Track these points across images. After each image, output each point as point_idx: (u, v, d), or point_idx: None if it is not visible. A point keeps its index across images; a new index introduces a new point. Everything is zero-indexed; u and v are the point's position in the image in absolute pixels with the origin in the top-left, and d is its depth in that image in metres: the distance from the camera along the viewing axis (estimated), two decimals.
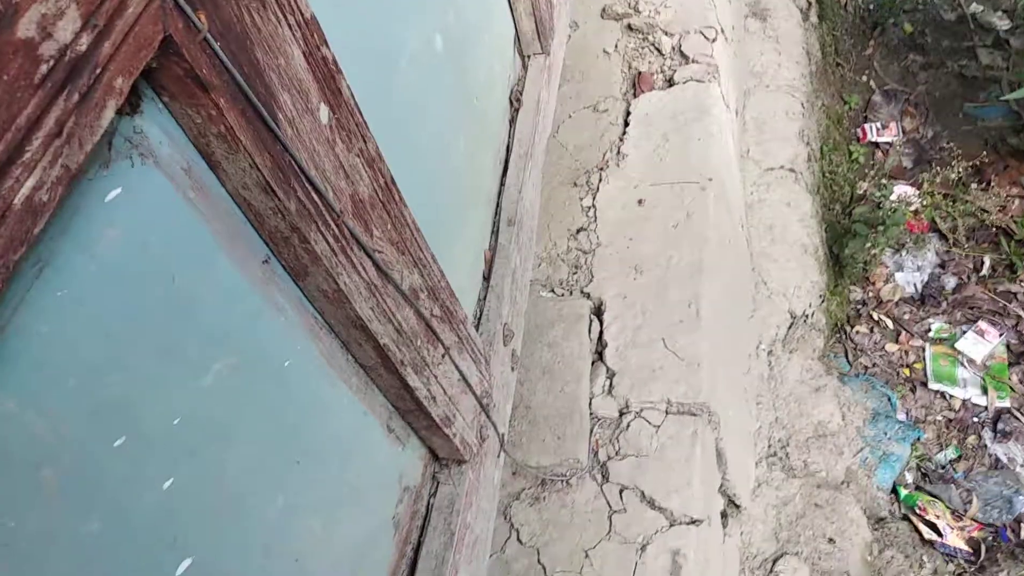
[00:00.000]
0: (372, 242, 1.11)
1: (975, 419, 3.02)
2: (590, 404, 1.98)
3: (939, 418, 3.05)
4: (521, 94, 2.15)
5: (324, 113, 0.98)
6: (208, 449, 0.91)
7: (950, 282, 3.34)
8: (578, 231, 2.28)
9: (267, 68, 0.85)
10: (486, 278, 1.84)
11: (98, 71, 0.64)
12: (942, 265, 3.40)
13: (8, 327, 0.65)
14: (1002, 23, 4.15)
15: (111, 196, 0.74)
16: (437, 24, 1.55)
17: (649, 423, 1.91)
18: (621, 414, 1.95)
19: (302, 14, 0.93)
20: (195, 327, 0.87)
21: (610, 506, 1.83)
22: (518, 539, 1.84)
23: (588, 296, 2.14)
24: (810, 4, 4.09)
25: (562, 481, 1.88)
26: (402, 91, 1.40)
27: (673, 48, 2.70)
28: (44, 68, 0.58)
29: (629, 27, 2.80)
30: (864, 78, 4.24)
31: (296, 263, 1.01)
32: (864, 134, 3.91)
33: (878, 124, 3.94)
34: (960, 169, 3.42)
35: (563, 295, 2.15)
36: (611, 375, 2.00)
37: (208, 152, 0.85)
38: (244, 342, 0.96)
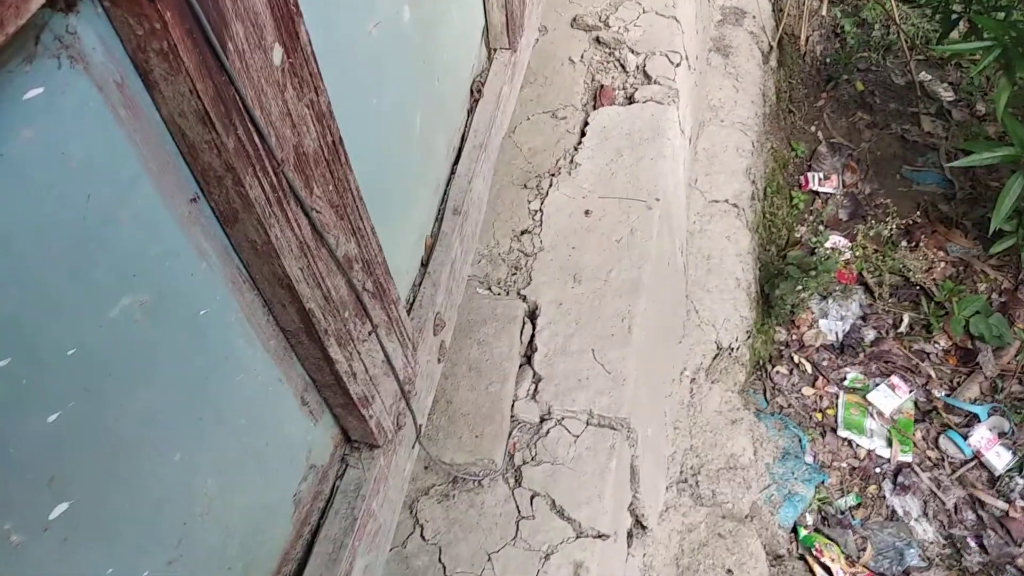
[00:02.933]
0: (311, 200, 1.06)
1: (877, 470, 3.11)
2: (512, 407, 1.94)
3: (844, 465, 3.13)
4: (483, 86, 2.12)
5: (278, 54, 0.93)
6: (103, 387, 0.84)
7: (870, 335, 3.45)
8: (522, 233, 2.26)
9: None
10: (424, 264, 1.79)
11: None
12: (864, 318, 3.51)
13: None
14: (947, 95, 4.34)
15: (31, 94, 0.68)
16: None
17: (569, 432, 1.89)
18: (542, 420, 1.92)
19: None
20: (106, 254, 0.81)
21: (519, 511, 1.80)
22: (421, 535, 1.79)
23: (524, 299, 2.11)
24: (771, 48, 4.20)
25: (474, 481, 1.84)
26: (363, 54, 1.35)
27: (637, 67, 2.72)
28: None
29: (597, 40, 2.81)
30: (813, 128, 4.37)
31: (227, 207, 0.95)
32: (806, 182, 4.02)
33: (821, 174, 4.06)
34: (892, 227, 3.55)
35: (500, 294, 2.12)
36: (537, 380, 1.98)
37: (146, 69, 0.78)
38: (159, 281, 0.89)
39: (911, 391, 3.27)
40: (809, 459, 3.07)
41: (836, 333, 3.44)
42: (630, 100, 2.63)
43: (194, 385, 1.00)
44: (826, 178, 4.03)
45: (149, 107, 0.82)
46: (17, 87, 0.67)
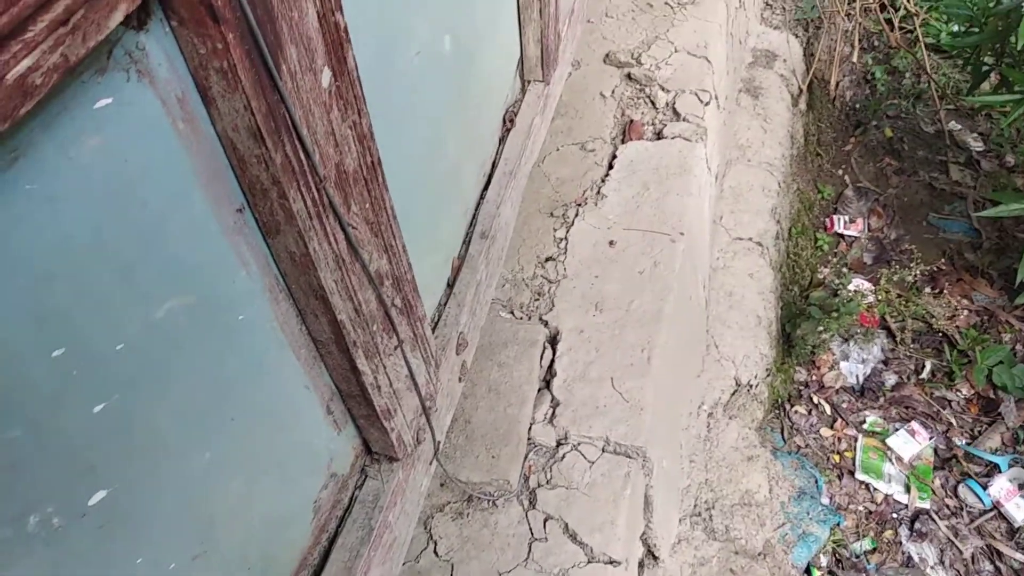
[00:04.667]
0: (348, 216, 1.11)
1: (894, 515, 3.08)
2: (529, 430, 1.97)
3: (860, 508, 3.11)
4: (515, 115, 2.18)
5: (326, 77, 0.99)
6: (146, 383, 0.88)
7: (890, 379, 3.43)
8: (547, 260, 2.30)
9: (280, 16, 0.86)
10: (450, 285, 1.84)
11: None
12: (885, 362, 3.49)
13: None
14: (976, 144, 4.35)
15: (101, 104, 0.74)
16: (449, 25, 1.57)
17: (584, 457, 1.91)
18: (559, 444, 1.94)
19: None
20: (157, 258, 0.86)
21: (532, 533, 1.82)
22: (435, 551, 1.81)
23: (546, 324, 2.15)
24: (801, 91, 4.24)
25: (489, 500, 1.86)
26: (404, 79, 1.41)
27: (667, 104, 2.77)
28: None
29: (628, 76, 2.87)
30: (840, 172, 4.39)
31: (270, 219, 1.00)
32: (832, 224, 4.03)
33: (846, 218, 4.07)
34: (917, 273, 3.54)
35: (522, 319, 2.16)
36: (555, 404, 2.00)
37: (206, 86, 0.84)
38: (202, 286, 0.94)
39: (931, 438, 3.24)
40: (825, 500, 3.04)
41: (857, 376, 3.43)
42: (658, 136, 2.68)
43: (228, 387, 1.05)
44: (852, 221, 4.04)
45: (205, 121, 0.88)
46: (90, 96, 0.72)
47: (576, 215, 2.43)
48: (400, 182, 1.32)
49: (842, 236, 4.01)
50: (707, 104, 2.75)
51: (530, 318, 2.16)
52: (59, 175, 0.71)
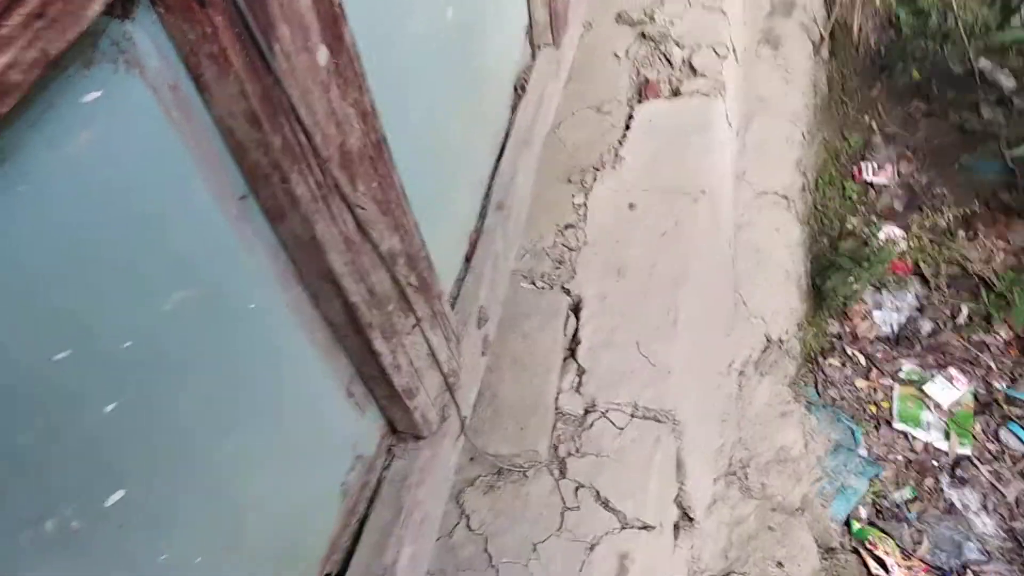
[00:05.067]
0: (355, 196, 1.09)
1: (934, 463, 3.04)
2: (556, 399, 1.96)
3: (899, 458, 3.07)
4: (527, 83, 2.13)
5: (323, 55, 0.96)
6: (158, 379, 0.88)
7: (926, 326, 3.36)
8: (566, 227, 2.26)
9: None
10: (468, 259, 1.82)
11: None
12: (920, 309, 3.42)
13: None
14: (1008, 82, 4.19)
15: (90, 97, 0.72)
16: None
17: (613, 424, 1.90)
18: (586, 412, 1.93)
19: None
20: (160, 251, 0.85)
21: (564, 502, 1.81)
22: (467, 525, 1.82)
23: (568, 292, 2.12)
24: (823, 39, 4.11)
25: (519, 472, 1.86)
26: (407, 53, 1.38)
27: (683, 60, 2.70)
28: None
29: (642, 34, 2.80)
30: (866, 118, 4.27)
31: (274, 204, 0.99)
32: (860, 173, 3.93)
33: (875, 165, 3.97)
34: (950, 217, 3.45)
35: (543, 288, 2.14)
36: (581, 372, 1.99)
37: (198, 72, 0.82)
38: (210, 276, 0.94)
39: (970, 383, 3.18)
40: (863, 452, 3.01)
41: (891, 325, 3.36)
42: (676, 93, 2.62)
43: (244, 376, 1.04)
44: (880, 168, 3.94)
45: (200, 109, 0.86)
46: (77, 90, 0.71)
47: (594, 180, 2.39)
48: (408, 158, 1.30)
49: (871, 184, 3.91)
50: (724, 58, 2.67)
51: (552, 287, 2.13)
52: (52, 173, 0.70)
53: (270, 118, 0.88)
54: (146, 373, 0.87)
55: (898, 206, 3.80)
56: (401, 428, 1.51)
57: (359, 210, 1.10)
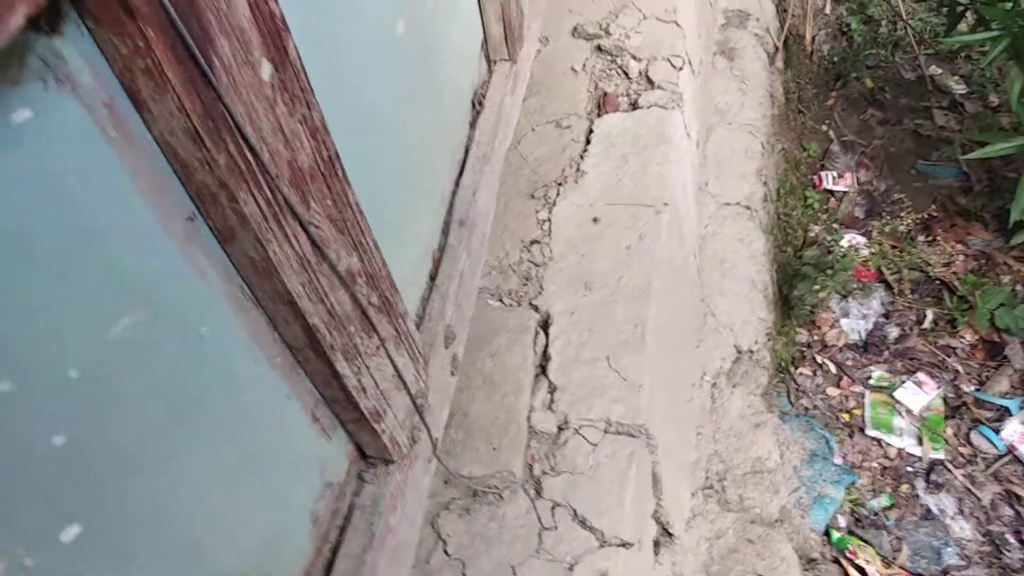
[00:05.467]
0: (308, 214, 1.06)
1: (909, 468, 3.05)
2: (529, 418, 1.93)
3: (874, 465, 3.08)
4: (484, 98, 2.12)
5: (266, 70, 0.94)
6: (110, 409, 0.84)
7: (893, 332, 3.39)
8: (532, 243, 2.25)
9: (205, 8, 0.81)
10: (432, 278, 1.79)
11: None
12: (886, 315, 3.45)
13: None
14: (959, 88, 4.30)
15: (18, 117, 0.69)
16: (401, 7, 1.51)
17: (587, 440, 1.87)
18: (560, 429, 1.90)
19: None
20: (102, 275, 0.81)
21: (541, 522, 1.78)
22: (444, 550, 1.77)
23: (536, 308, 2.10)
24: (777, 49, 4.18)
25: (494, 494, 1.82)
26: (357, 68, 1.36)
27: (640, 73, 2.71)
28: None
29: (599, 48, 2.81)
30: (824, 127, 4.34)
31: (223, 224, 0.95)
32: (820, 181, 3.98)
33: (834, 173, 4.02)
34: (909, 222, 3.50)
35: (511, 305, 2.11)
36: (552, 390, 1.96)
37: (134, 88, 0.79)
38: (157, 300, 0.90)
39: (939, 387, 3.21)
40: (838, 460, 3.01)
41: (859, 332, 3.39)
42: (634, 106, 2.63)
43: (200, 404, 1.00)
44: (840, 176, 3.99)
45: (139, 127, 0.83)
46: (4, 109, 0.68)
47: (557, 195, 2.38)
48: (365, 175, 1.27)
49: (831, 192, 3.96)
50: (680, 70, 2.69)
51: (520, 304, 2.11)
52: None
53: (212, 135, 0.85)
54: (96, 404, 0.83)
55: (859, 213, 3.85)
56: (370, 453, 1.47)
57: (314, 228, 1.07)
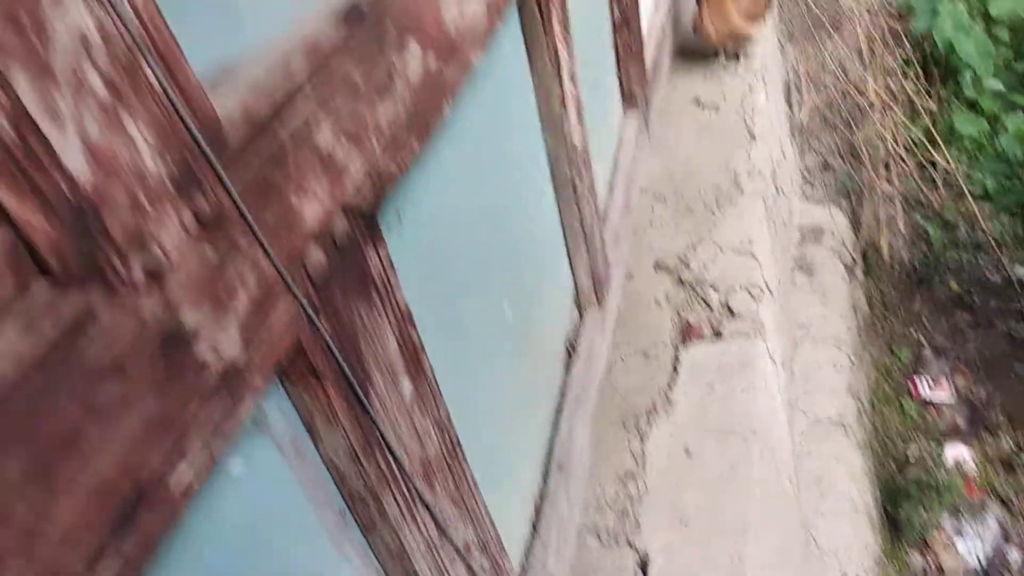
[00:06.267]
0: (434, 499, 1.23)
1: None
2: None
3: None
4: (576, 343, 2.32)
5: (406, 386, 1.14)
6: None
7: (1015, 556, 3.21)
8: (626, 475, 2.34)
9: (367, 355, 1.03)
10: (534, 525, 1.90)
11: (245, 375, 0.81)
12: (1006, 536, 3.29)
13: None
14: None
15: (236, 471, 0.89)
16: (505, 293, 1.76)
17: None
18: None
19: (399, 306, 1.12)
20: (274, 561, 0.98)
21: None
22: None
23: (632, 545, 2.16)
24: (855, 260, 4.33)
25: None
26: (474, 356, 1.57)
27: (720, 303, 2.89)
28: (211, 381, 0.75)
29: (680, 280, 3.03)
30: (913, 331, 4.36)
31: (367, 518, 1.13)
32: (916, 389, 3.96)
33: (929, 379, 4.00)
34: (1012, 439, 3.41)
35: (608, 544, 2.18)
36: None
37: (311, 425, 1.00)
38: None
39: None
40: None
41: (976, 556, 3.22)
42: (717, 334, 2.78)
43: None
44: (935, 383, 3.96)
45: (312, 451, 1.03)
46: (227, 465, 0.88)
47: (648, 424, 2.50)
48: (475, 442, 1.44)
49: (930, 402, 3.92)
50: (759, 300, 2.86)
51: (617, 542, 2.18)
52: (204, 539, 0.85)
53: (366, 452, 1.04)
54: None
55: (961, 423, 3.77)
56: None
57: (438, 511, 1.23)
